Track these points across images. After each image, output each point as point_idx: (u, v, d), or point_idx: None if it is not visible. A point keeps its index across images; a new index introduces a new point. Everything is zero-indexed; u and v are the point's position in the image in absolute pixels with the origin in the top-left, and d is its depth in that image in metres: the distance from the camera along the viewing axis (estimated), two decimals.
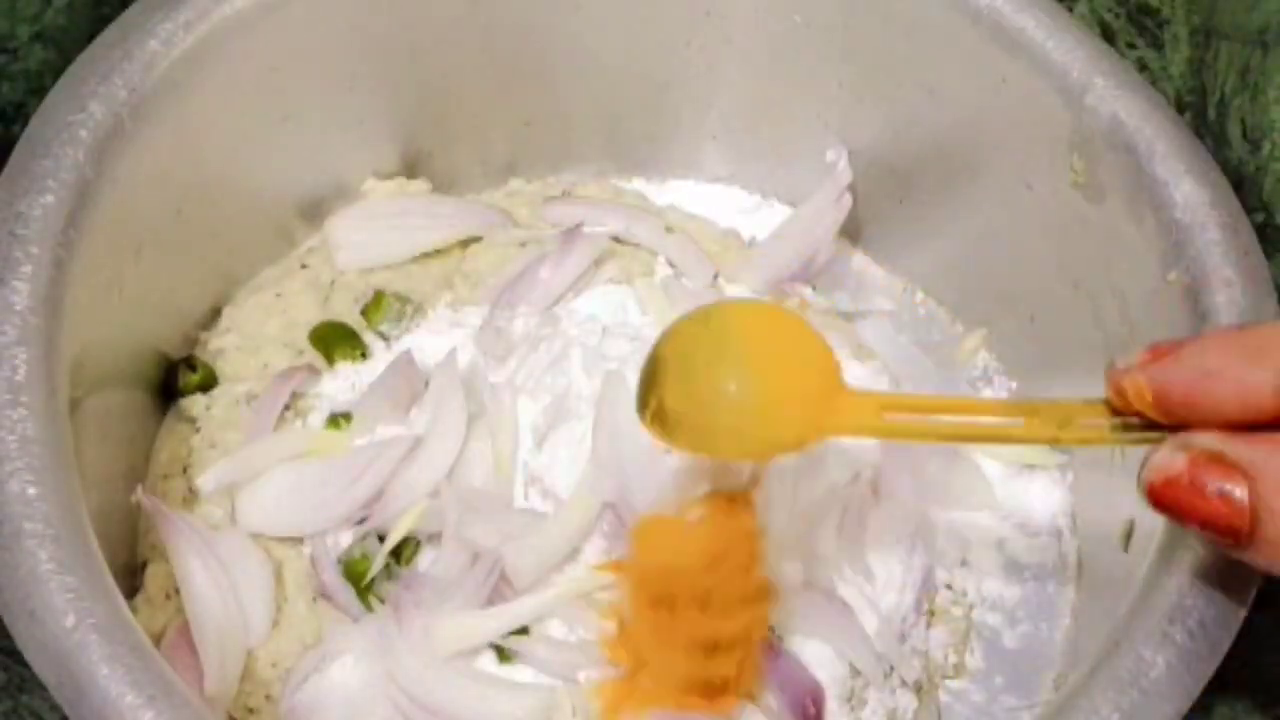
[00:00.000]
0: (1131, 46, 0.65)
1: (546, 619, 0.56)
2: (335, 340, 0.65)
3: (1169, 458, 0.40)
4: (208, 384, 0.63)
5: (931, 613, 0.62)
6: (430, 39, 0.67)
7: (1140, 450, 0.58)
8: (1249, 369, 0.39)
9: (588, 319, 0.64)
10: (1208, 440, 0.40)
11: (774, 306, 0.48)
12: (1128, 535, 0.57)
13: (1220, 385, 0.39)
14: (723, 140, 0.74)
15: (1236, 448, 0.39)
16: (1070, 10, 0.63)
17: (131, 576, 0.59)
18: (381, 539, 0.58)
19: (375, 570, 0.57)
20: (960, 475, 0.64)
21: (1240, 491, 0.38)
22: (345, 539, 0.58)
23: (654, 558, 0.54)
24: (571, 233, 0.67)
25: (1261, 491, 0.38)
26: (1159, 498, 0.40)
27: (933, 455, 0.64)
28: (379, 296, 0.66)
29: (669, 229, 0.70)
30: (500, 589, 0.56)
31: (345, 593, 0.57)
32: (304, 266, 0.68)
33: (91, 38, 0.57)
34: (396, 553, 0.58)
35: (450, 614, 0.55)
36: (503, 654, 0.55)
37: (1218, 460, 0.39)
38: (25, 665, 0.45)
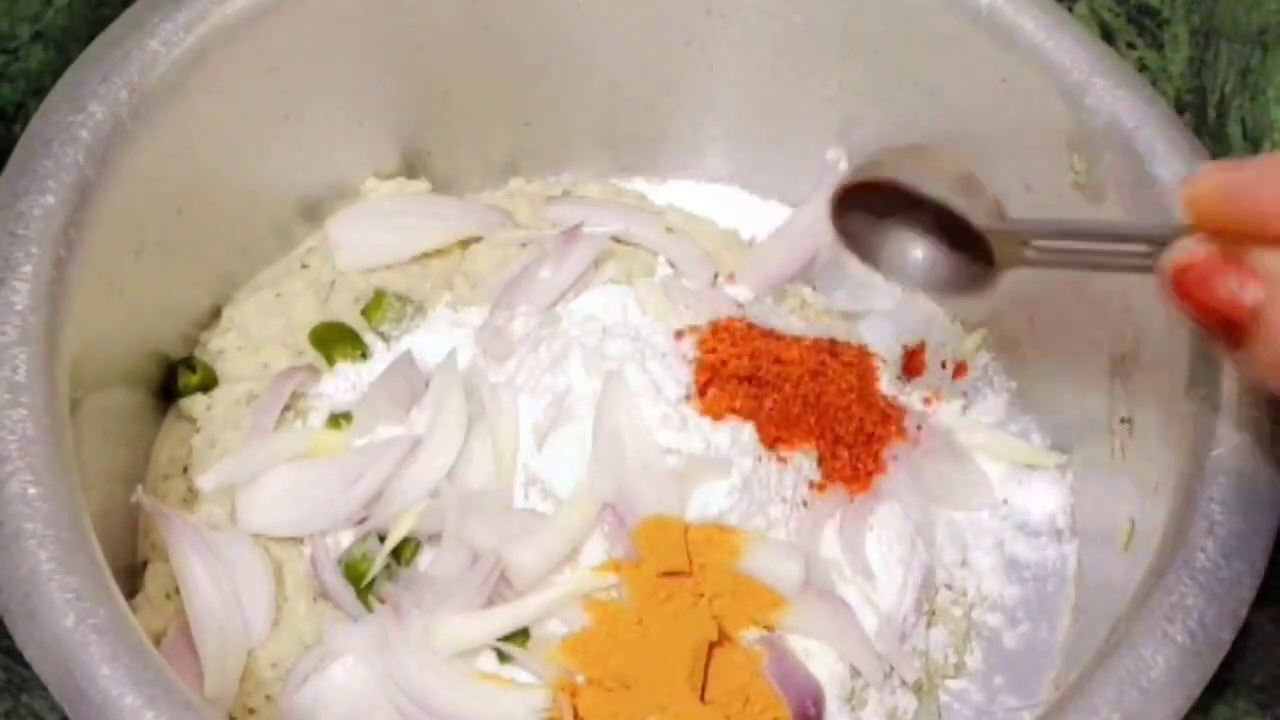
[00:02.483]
0: (1131, 46, 0.65)
1: (546, 619, 0.56)
2: (335, 340, 0.65)
3: (1193, 247, 0.41)
4: (207, 384, 0.63)
5: (932, 613, 0.62)
6: (430, 39, 0.67)
7: (1141, 451, 0.58)
8: None
9: (588, 319, 0.64)
10: (1240, 249, 0.40)
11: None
12: (1128, 535, 0.57)
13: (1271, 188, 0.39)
14: (723, 140, 0.74)
15: (1261, 255, 0.39)
16: (1070, 10, 0.63)
17: (131, 576, 0.59)
18: (382, 539, 0.58)
19: (375, 571, 0.57)
20: (960, 475, 0.64)
21: (1252, 291, 0.39)
22: (345, 539, 0.58)
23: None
24: (571, 233, 0.67)
25: (1273, 298, 0.39)
26: (1175, 282, 0.41)
27: (933, 455, 0.64)
28: (379, 296, 0.66)
29: (669, 229, 0.70)
30: (500, 589, 0.56)
31: (345, 593, 0.57)
32: (304, 266, 0.68)
33: (91, 38, 0.58)
34: (397, 553, 0.58)
35: (450, 614, 0.55)
36: (503, 654, 0.55)
37: (1237, 260, 0.40)
38: (25, 665, 0.45)
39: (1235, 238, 0.40)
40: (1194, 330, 0.54)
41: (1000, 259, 0.48)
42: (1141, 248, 0.44)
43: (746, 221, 0.74)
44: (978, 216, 0.48)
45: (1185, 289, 0.41)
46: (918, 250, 0.51)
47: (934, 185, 0.48)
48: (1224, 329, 0.40)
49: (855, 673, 0.57)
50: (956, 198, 0.48)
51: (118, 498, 0.57)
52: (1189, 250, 0.41)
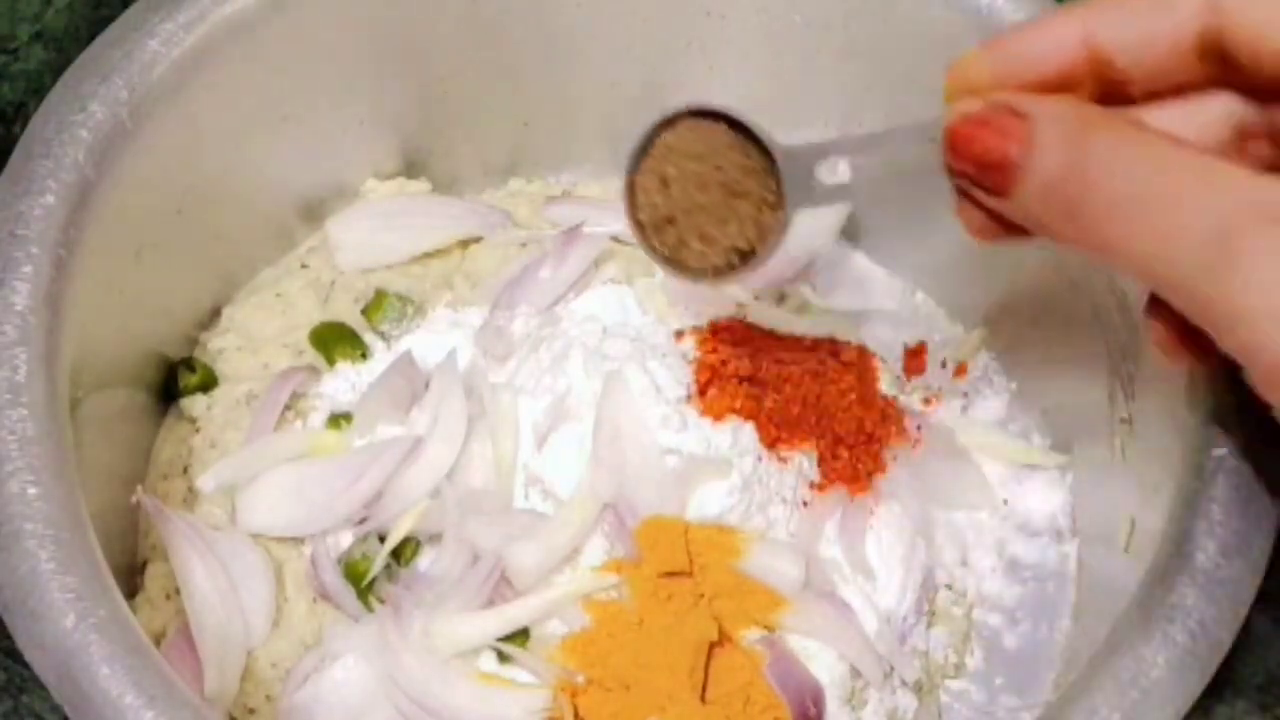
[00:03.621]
0: None
1: (546, 620, 0.56)
2: (335, 340, 0.65)
3: (971, 103, 0.43)
4: (207, 384, 0.63)
5: (932, 613, 0.62)
6: (430, 39, 0.67)
7: (1140, 451, 0.58)
8: (1064, 14, 0.42)
9: (588, 319, 0.64)
10: (1005, 94, 0.43)
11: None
12: (1128, 535, 0.57)
13: (1041, 32, 0.43)
14: None
15: (1026, 100, 0.42)
16: None
17: (131, 576, 0.59)
18: (382, 539, 0.58)
19: (376, 571, 0.57)
20: (960, 475, 0.64)
21: (1019, 129, 0.41)
22: (345, 539, 0.58)
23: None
24: (571, 233, 0.67)
25: (1039, 127, 0.41)
26: (955, 134, 0.43)
27: (933, 455, 0.64)
28: (380, 296, 0.66)
29: None
30: (500, 589, 0.56)
31: (345, 593, 0.57)
32: (304, 266, 0.68)
33: (91, 38, 0.58)
34: (397, 553, 0.58)
35: (450, 614, 0.55)
36: (503, 654, 0.55)
37: (1008, 107, 0.42)
38: (25, 665, 0.45)
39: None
40: None
41: (791, 198, 0.50)
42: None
43: None
44: (775, 145, 0.49)
45: (961, 141, 0.43)
46: None
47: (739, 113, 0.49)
48: (997, 174, 0.42)
49: (856, 673, 0.57)
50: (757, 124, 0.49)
51: (118, 498, 0.57)
52: (966, 104, 0.43)
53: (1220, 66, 0.41)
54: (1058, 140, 0.40)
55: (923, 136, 0.45)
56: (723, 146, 0.50)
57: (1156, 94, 0.43)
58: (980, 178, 0.43)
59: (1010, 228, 0.44)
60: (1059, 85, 0.43)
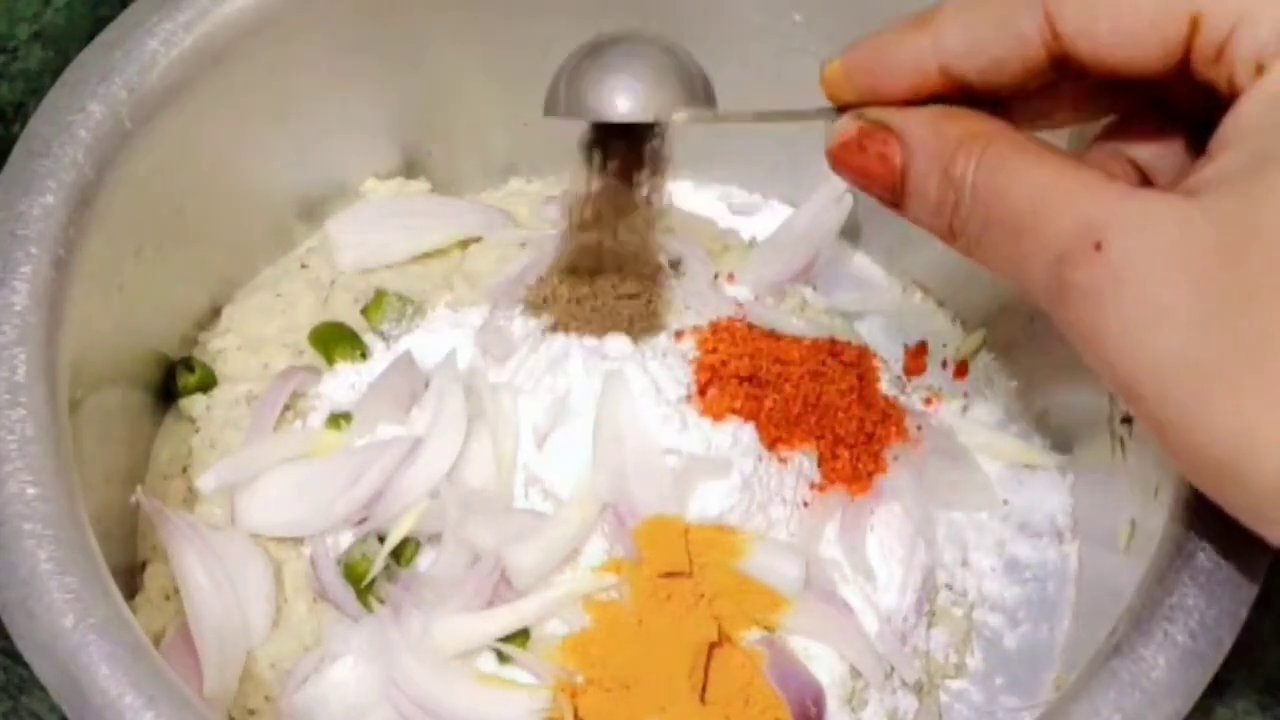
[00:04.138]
0: None
1: (546, 620, 0.56)
2: (335, 340, 0.65)
3: (846, 125, 0.45)
4: (206, 384, 0.63)
5: (932, 613, 0.62)
6: (430, 39, 0.67)
7: (1141, 451, 0.58)
8: (915, 35, 0.44)
9: None
10: (877, 111, 0.45)
11: None
12: (1128, 536, 0.57)
13: (894, 53, 0.44)
14: (722, 140, 0.74)
15: (896, 117, 0.44)
16: None
17: (131, 576, 0.59)
18: (382, 539, 0.58)
19: (376, 571, 0.57)
20: (961, 476, 0.64)
21: (895, 153, 0.43)
22: (345, 540, 0.58)
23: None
24: None
25: (911, 153, 0.43)
26: (835, 159, 0.46)
27: (934, 455, 0.64)
28: (380, 296, 0.66)
29: (669, 229, 0.70)
30: (500, 590, 0.56)
31: (345, 594, 0.57)
32: (304, 266, 0.68)
33: (91, 38, 0.58)
34: (396, 553, 0.58)
35: (450, 615, 0.55)
36: (503, 655, 0.55)
37: (882, 127, 0.44)
38: (25, 665, 0.45)
39: (878, 103, 0.45)
40: None
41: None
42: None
43: (746, 221, 0.74)
44: (673, 111, 0.53)
45: (845, 164, 0.45)
46: None
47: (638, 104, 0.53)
48: (885, 192, 0.44)
49: (856, 673, 0.57)
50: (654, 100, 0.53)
51: (117, 498, 0.57)
52: (843, 126, 0.45)
53: (1077, 68, 0.42)
54: (931, 170, 0.42)
55: (830, 115, 0.47)
56: None
57: (1023, 92, 0.44)
58: (869, 191, 0.45)
59: None
60: (925, 98, 0.44)
